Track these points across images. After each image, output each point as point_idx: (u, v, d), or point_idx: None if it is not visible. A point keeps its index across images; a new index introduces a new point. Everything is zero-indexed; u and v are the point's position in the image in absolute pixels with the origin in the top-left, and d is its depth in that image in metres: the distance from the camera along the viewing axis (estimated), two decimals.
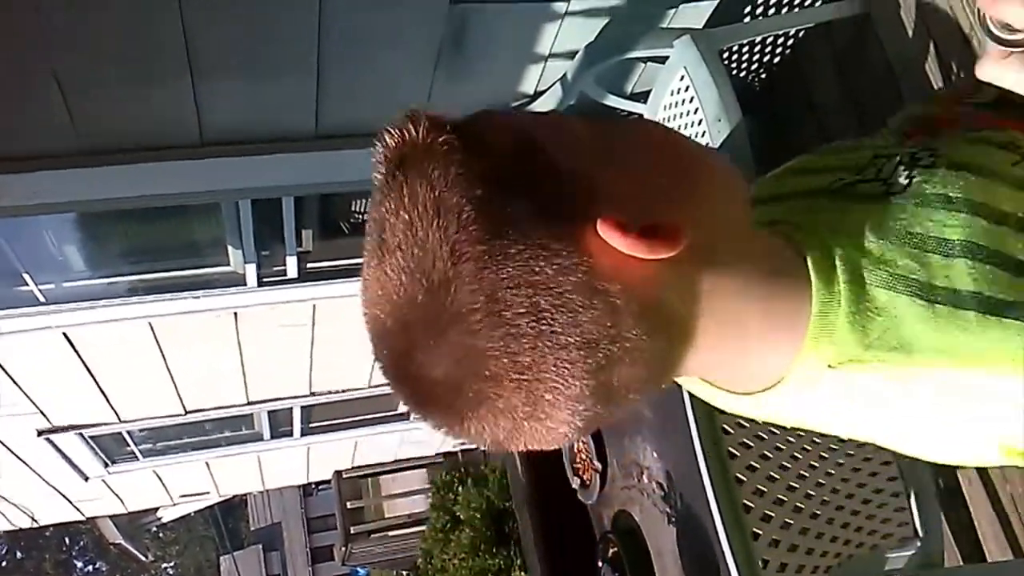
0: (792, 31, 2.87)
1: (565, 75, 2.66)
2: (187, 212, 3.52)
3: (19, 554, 26.89)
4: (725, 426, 1.67)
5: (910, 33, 2.50)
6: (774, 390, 0.67)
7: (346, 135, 2.78)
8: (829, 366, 0.64)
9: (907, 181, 0.69)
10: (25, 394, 4.52)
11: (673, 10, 2.61)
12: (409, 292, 0.58)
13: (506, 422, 0.61)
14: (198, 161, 2.69)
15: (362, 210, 3.86)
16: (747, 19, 2.74)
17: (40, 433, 5.03)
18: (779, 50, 2.96)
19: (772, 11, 2.73)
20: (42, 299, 3.68)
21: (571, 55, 2.62)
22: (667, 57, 2.46)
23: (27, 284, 3.61)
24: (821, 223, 0.69)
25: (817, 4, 2.73)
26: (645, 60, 2.71)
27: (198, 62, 2.36)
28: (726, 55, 2.76)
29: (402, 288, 0.58)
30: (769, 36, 2.86)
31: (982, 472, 2.48)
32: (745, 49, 2.90)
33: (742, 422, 1.69)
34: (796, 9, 2.74)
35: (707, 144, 2.41)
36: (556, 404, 0.60)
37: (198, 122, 2.56)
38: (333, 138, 2.77)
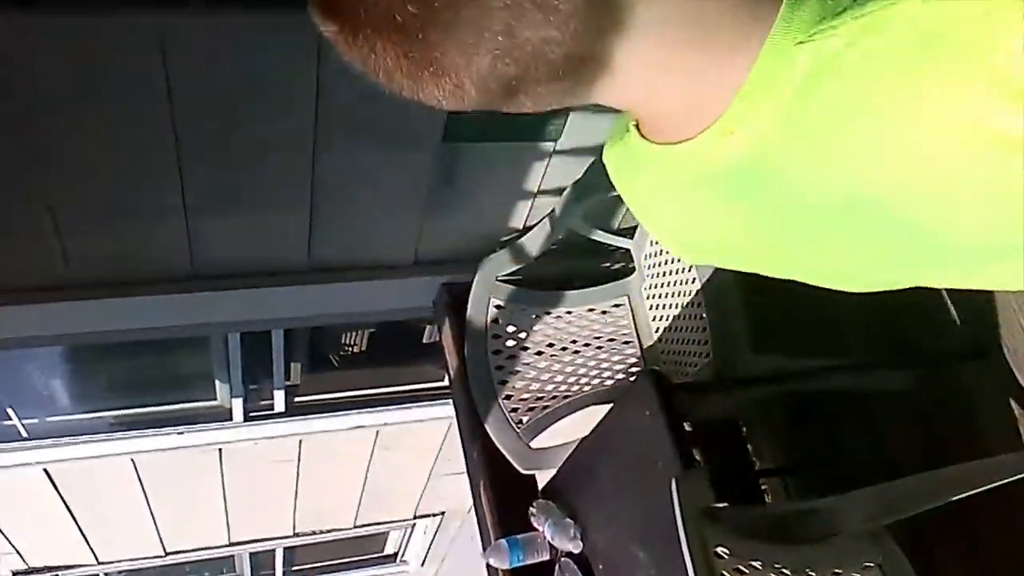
0: None
1: (553, 210, 2.71)
2: (175, 345, 3.50)
3: None
4: (724, 572, 1.62)
5: None
6: (735, 109, 0.58)
7: (338, 268, 2.80)
8: (799, 42, 0.55)
9: None
10: (2, 533, 4.37)
11: None
12: None
13: (397, 39, 0.55)
14: (189, 295, 2.69)
15: (352, 343, 3.85)
16: None
17: (15, 575, 4.84)
18: None
19: None
20: (24, 434, 3.62)
21: (559, 192, 2.68)
22: None
23: (10, 419, 3.55)
24: None
25: None
26: None
27: (193, 200, 2.39)
28: None
29: None
30: None
31: None
32: None
33: (742, 568, 1.63)
34: None
35: (695, 279, 2.43)
36: (453, 37, 0.54)
37: (190, 255, 2.58)
38: (325, 271, 2.79)
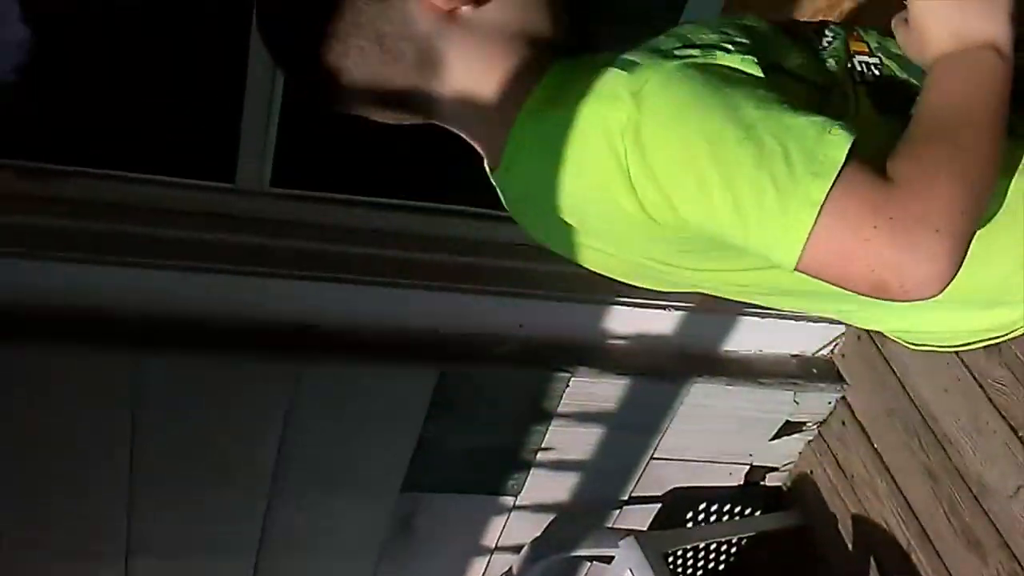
0: (735, 539, 2.92)
1: (511, 569, 2.63)
2: None
3: None
4: None
5: (849, 546, 2.56)
6: (506, 154, 0.81)
7: None
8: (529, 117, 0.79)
9: None
10: None
11: (618, 511, 2.67)
12: None
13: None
14: None
15: None
16: (690, 524, 2.80)
17: None
18: (723, 556, 2.98)
19: (714, 518, 2.81)
20: None
21: (517, 549, 2.62)
22: (612, 557, 2.46)
23: None
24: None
25: (757, 514, 2.82)
26: (591, 559, 2.70)
27: (138, 542, 2.32)
28: (670, 558, 2.77)
29: None
30: (712, 542, 2.91)
31: None
32: (690, 553, 2.92)
33: None
34: (737, 517, 2.82)
35: None
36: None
37: None
38: None
